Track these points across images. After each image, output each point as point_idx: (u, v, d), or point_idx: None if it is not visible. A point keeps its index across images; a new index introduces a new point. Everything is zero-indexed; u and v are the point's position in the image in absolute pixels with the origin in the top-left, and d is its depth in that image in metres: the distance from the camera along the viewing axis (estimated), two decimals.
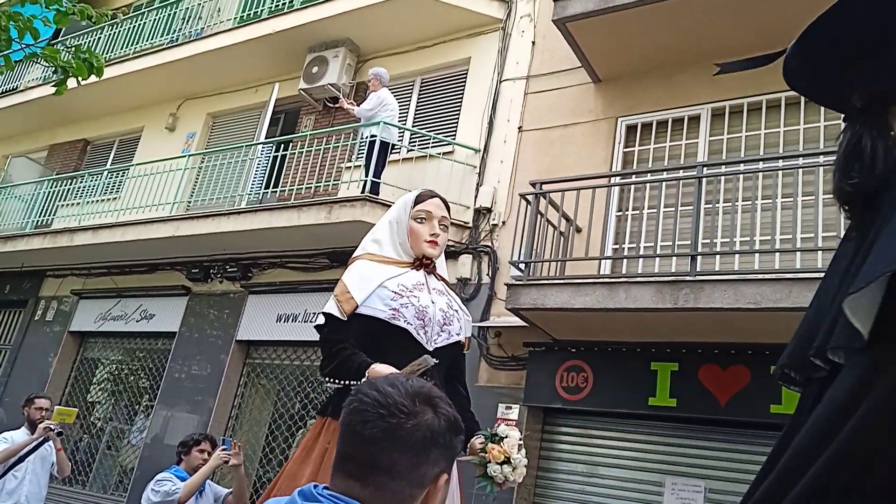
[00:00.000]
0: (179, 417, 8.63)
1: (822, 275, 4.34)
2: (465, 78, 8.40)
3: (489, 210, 7.44)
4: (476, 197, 7.55)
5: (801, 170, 5.47)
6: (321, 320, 2.49)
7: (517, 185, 7.21)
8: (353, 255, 2.65)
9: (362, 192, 7.42)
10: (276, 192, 8.61)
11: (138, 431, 9.26)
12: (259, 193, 9.24)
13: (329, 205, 7.43)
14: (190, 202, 9.72)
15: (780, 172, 5.60)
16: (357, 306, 2.41)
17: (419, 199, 2.67)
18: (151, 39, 11.30)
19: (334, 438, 1.97)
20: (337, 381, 2.33)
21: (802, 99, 6.13)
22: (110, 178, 10.84)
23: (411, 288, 2.50)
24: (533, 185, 6.19)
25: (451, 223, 7.68)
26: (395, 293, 2.45)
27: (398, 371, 2.18)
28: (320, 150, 8.29)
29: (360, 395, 1.11)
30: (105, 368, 10.25)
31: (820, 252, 5.42)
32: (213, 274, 9.13)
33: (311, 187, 8.23)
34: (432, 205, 2.66)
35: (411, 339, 2.44)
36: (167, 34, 11.16)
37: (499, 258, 7.16)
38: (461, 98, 8.34)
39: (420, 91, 8.83)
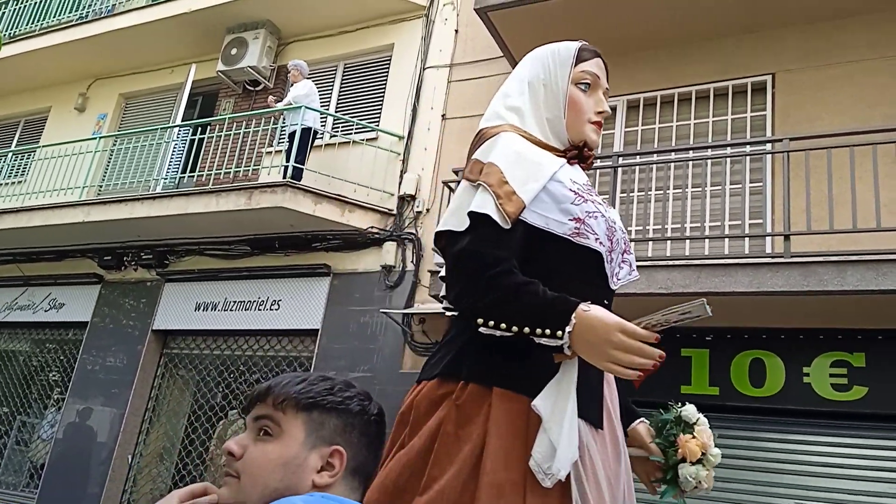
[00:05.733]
0: (93, 410, 8.33)
1: (729, 261, 4.54)
2: (389, 64, 8.36)
3: (413, 197, 7.46)
4: (400, 184, 7.54)
5: (709, 161, 5.73)
6: (455, 223, 1.50)
7: (441, 173, 7.25)
8: (486, 127, 1.64)
9: (284, 177, 7.30)
10: (193, 176, 8.36)
11: (49, 426, 8.89)
12: (175, 178, 8.96)
13: (249, 190, 7.27)
14: (101, 186, 9.34)
15: (690, 163, 5.84)
16: (524, 207, 1.47)
17: (581, 56, 1.71)
18: (60, 15, 10.73)
19: (499, 420, 1.34)
20: (502, 325, 1.36)
21: (711, 92, 6.41)
22: (15, 160, 10.28)
23: (587, 189, 1.60)
24: (456, 172, 6.24)
25: (375, 210, 7.69)
26: (575, 193, 1.53)
27: (624, 319, 1.34)
28: (240, 133, 8.10)
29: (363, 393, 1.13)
30: (12, 360, 9.76)
31: (726, 239, 5.70)
32: (127, 261, 8.81)
33: (230, 172, 8.04)
34: (597, 67, 1.73)
35: (594, 270, 1.55)
36: (76, 10, 10.60)
37: (423, 245, 7.20)
38: (384, 84, 8.30)
39: (343, 76, 8.74)
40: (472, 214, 1.46)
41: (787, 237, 4.80)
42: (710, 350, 5.56)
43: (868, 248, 4.68)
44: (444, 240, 1.53)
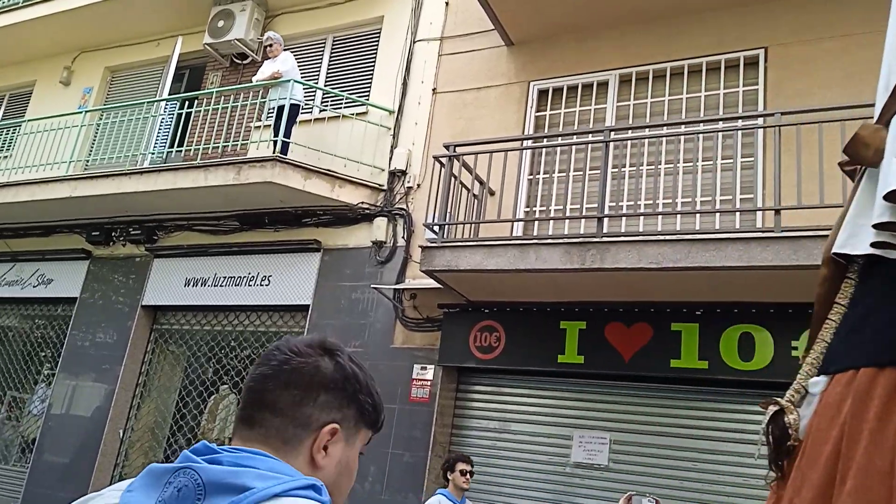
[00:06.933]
0: (84, 386, 8.32)
1: (720, 236, 4.46)
2: (379, 37, 8.25)
3: (404, 172, 7.41)
4: (391, 159, 7.49)
5: (701, 135, 5.71)
6: None
7: (431, 148, 7.20)
8: None
9: (273, 152, 7.23)
10: (181, 151, 8.28)
11: (39, 401, 8.88)
12: (163, 153, 8.86)
13: (238, 165, 7.21)
14: (88, 161, 9.24)
15: (682, 138, 5.82)
16: None
17: None
18: None
19: None
20: None
21: (704, 66, 6.37)
22: (0, 134, 10.12)
23: None
24: (447, 147, 6.19)
25: (366, 185, 7.64)
26: None
27: None
28: (228, 108, 8.00)
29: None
30: (1, 336, 9.71)
31: (717, 214, 5.71)
32: (116, 237, 8.75)
33: (218, 147, 7.96)
34: None
35: None
36: None
37: (414, 221, 7.17)
38: (374, 58, 8.20)
39: (332, 49, 8.63)
40: None
41: (777, 212, 4.81)
42: (700, 324, 5.59)
43: None
44: None
